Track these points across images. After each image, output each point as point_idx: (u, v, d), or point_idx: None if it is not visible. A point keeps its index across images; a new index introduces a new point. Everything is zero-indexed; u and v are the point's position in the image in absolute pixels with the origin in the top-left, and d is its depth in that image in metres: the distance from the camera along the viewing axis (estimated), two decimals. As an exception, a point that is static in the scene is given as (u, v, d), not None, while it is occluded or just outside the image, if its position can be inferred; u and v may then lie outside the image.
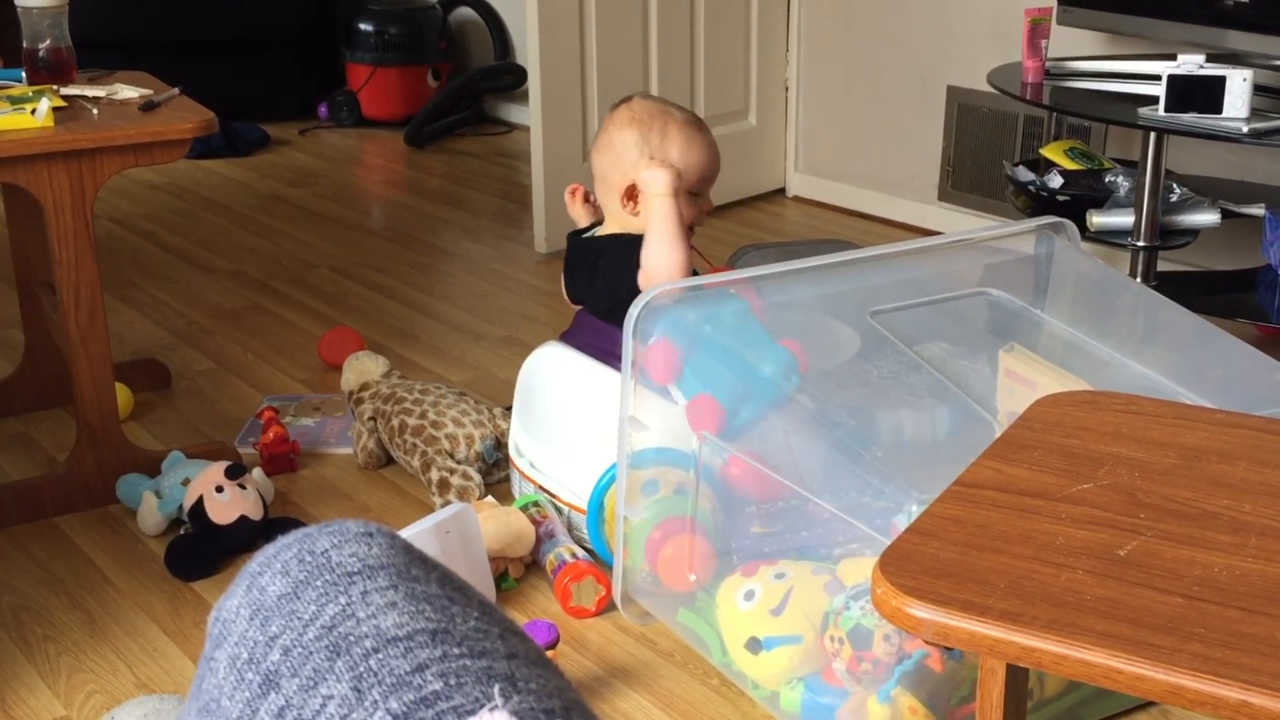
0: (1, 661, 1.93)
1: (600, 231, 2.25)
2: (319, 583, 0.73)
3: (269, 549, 0.78)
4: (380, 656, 0.67)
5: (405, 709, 0.64)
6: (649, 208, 2.10)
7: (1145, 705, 1.81)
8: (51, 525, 2.28)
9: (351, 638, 0.69)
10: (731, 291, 2.01)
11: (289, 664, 0.69)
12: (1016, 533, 1.15)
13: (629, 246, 2.16)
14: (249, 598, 0.74)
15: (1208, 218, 2.83)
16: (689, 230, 2.15)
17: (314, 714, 0.66)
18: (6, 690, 1.87)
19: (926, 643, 1.53)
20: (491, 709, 0.60)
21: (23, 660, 1.93)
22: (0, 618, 2.04)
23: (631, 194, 2.16)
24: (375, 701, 0.64)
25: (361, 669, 0.67)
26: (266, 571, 0.75)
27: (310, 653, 0.69)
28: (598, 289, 2.21)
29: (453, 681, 0.66)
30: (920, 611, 1.06)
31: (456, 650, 0.68)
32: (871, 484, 1.72)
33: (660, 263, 2.07)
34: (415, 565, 0.76)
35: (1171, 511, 1.18)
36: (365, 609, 0.71)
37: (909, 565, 1.11)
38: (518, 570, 2.11)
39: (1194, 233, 2.84)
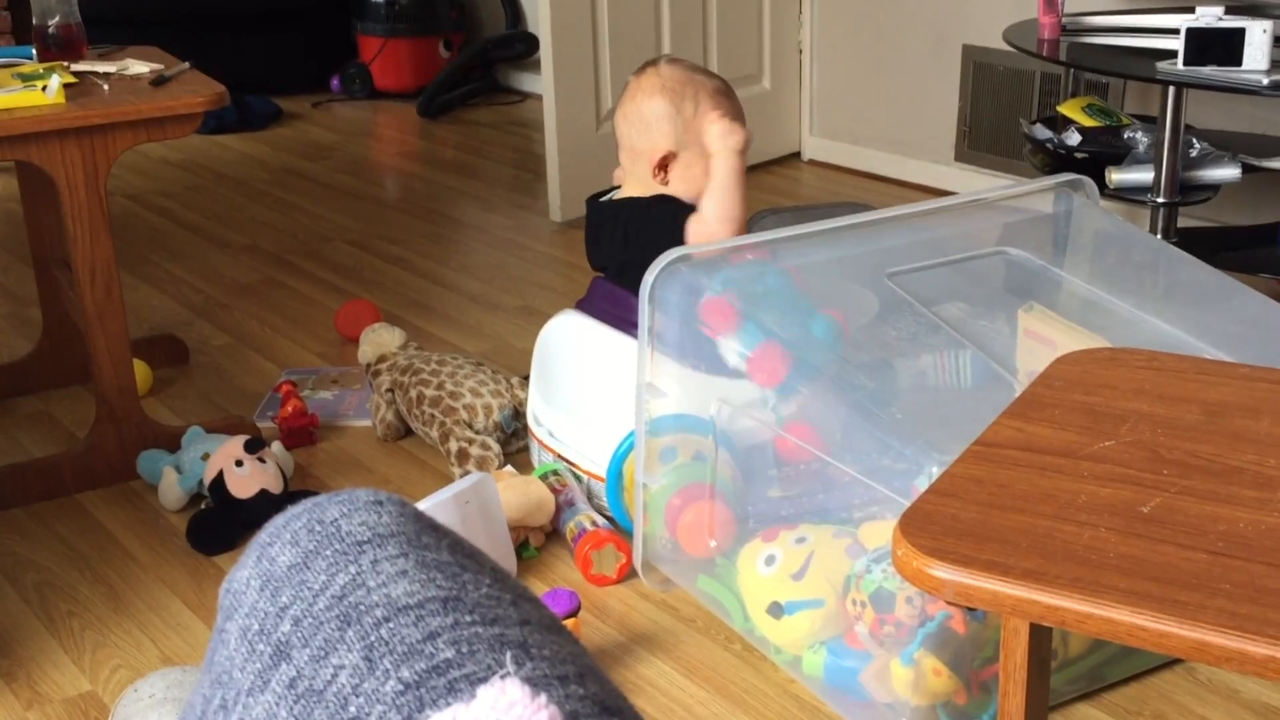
0: (27, 637, 1.94)
1: (619, 195, 2.24)
2: (329, 552, 0.72)
3: (278, 519, 0.77)
4: (391, 625, 0.67)
5: (417, 677, 0.63)
6: (717, 160, 2.12)
7: (1170, 664, 1.80)
8: (73, 502, 2.29)
9: (362, 607, 0.68)
10: (750, 256, 2.00)
11: (300, 634, 0.68)
12: (1038, 491, 1.14)
13: (668, 207, 2.15)
14: (259, 568, 0.74)
15: (1228, 172, 2.80)
16: None
17: (325, 684, 0.65)
18: (32, 666, 1.88)
19: (949, 604, 1.53)
20: (503, 676, 0.60)
21: (47, 636, 1.94)
22: (25, 594, 2.04)
23: (664, 164, 2.16)
24: (387, 670, 0.64)
25: (373, 638, 0.66)
26: (276, 542, 0.75)
27: (321, 623, 0.68)
28: (633, 250, 2.16)
29: (464, 649, 0.65)
30: (941, 572, 1.05)
31: (468, 618, 0.68)
32: (892, 445, 1.71)
33: (724, 214, 2.10)
34: (426, 533, 0.75)
35: (1195, 467, 1.17)
36: (376, 578, 0.70)
37: (930, 526, 1.10)
38: (538, 539, 2.11)
39: (1214, 188, 2.81)
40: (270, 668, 0.68)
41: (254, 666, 0.69)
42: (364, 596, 0.69)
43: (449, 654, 0.65)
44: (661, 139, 2.15)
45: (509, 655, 0.65)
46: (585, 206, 2.30)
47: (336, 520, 0.75)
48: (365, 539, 0.73)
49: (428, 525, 0.76)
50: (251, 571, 0.74)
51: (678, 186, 2.17)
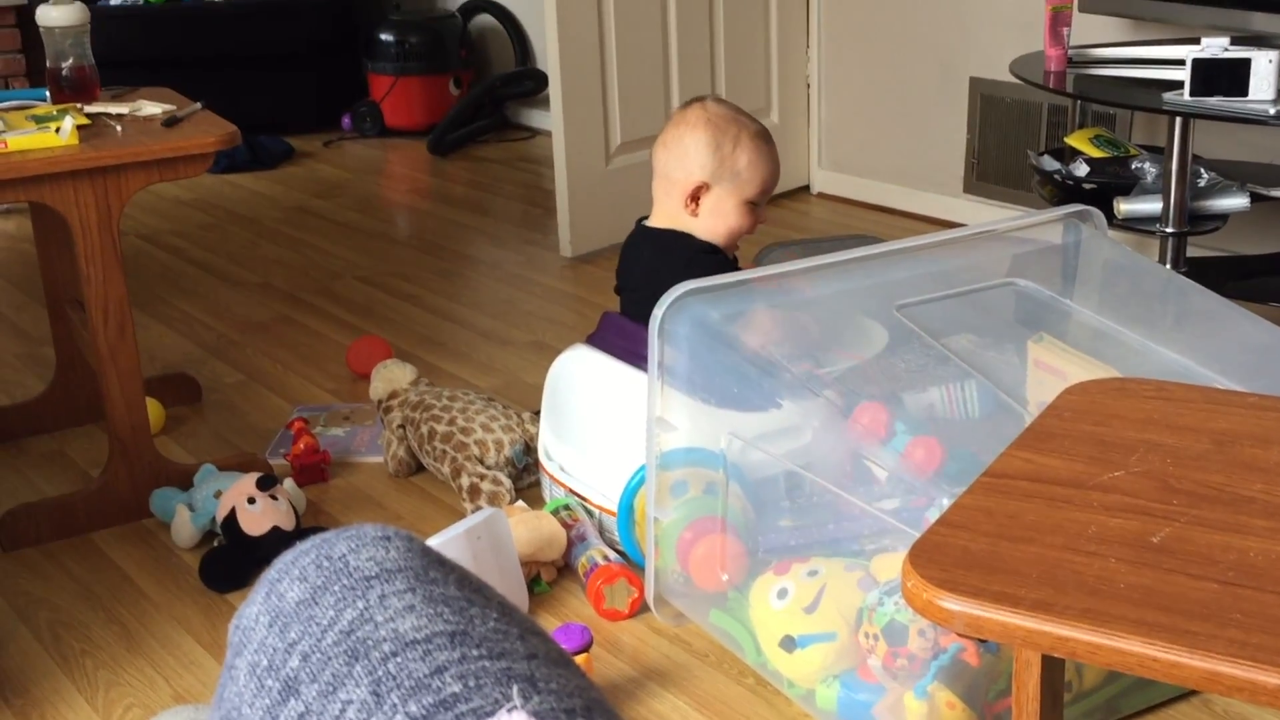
0: (40, 677, 1.94)
1: (651, 222, 2.27)
2: (337, 587, 0.73)
3: (287, 555, 0.77)
4: (399, 660, 0.67)
5: (425, 712, 0.64)
6: None
7: (1186, 695, 1.79)
8: (87, 540, 2.30)
9: (370, 642, 0.68)
10: (759, 289, 2.01)
11: (308, 670, 0.69)
12: (1048, 522, 1.14)
13: (683, 251, 2.19)
14: (268, 604, 0.74)
15: (1236, 202, 2.80)
16: (735, 240, 2.24)
17: (334, 719, 0.65)
18: (46, 706, 1.88)
19: (960, 636, 1.52)
20: (510, 710, 0.60)
21: (61, 675, 1.95)
22: (38, 633, 2.05)
23: (695, 195, 2.19)
24: (394, 705, 0.64)
25: (380, 673, 0.66)
26: (285, 578, 0.75)
27: (329, 658, 0.68)
28: (644, 278, 2.19)
29: (472, 683, 0.65)
30: (951, 604, 1.05)
31: (475, 652, 0.68)
32: (903, 477, 1.71)
33: None
34: (433, 567, 0.75)
35: (1204, 497, 1.17)
36: (383, 613, 0.70)
37: (939, 557, 1.10)
38: (550, 574, 2.11)
39: (1223, 217, 2.82)
40: (279, 703, 0.68)
41: (263, 702, 0.69)
42: (372, 631, 0.69)
43: (456, 688, 0.65)
44: (698, 169, 2.18)
45: (516, 689, 0.65)
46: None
47: (344, 556, 0.75)
48: (373, 574, 0.73)
49: (435, 560, 0.76)
50: (260, 607, 0.75)
51: (705, 220, 2.20)
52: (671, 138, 2.22)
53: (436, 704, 0.64)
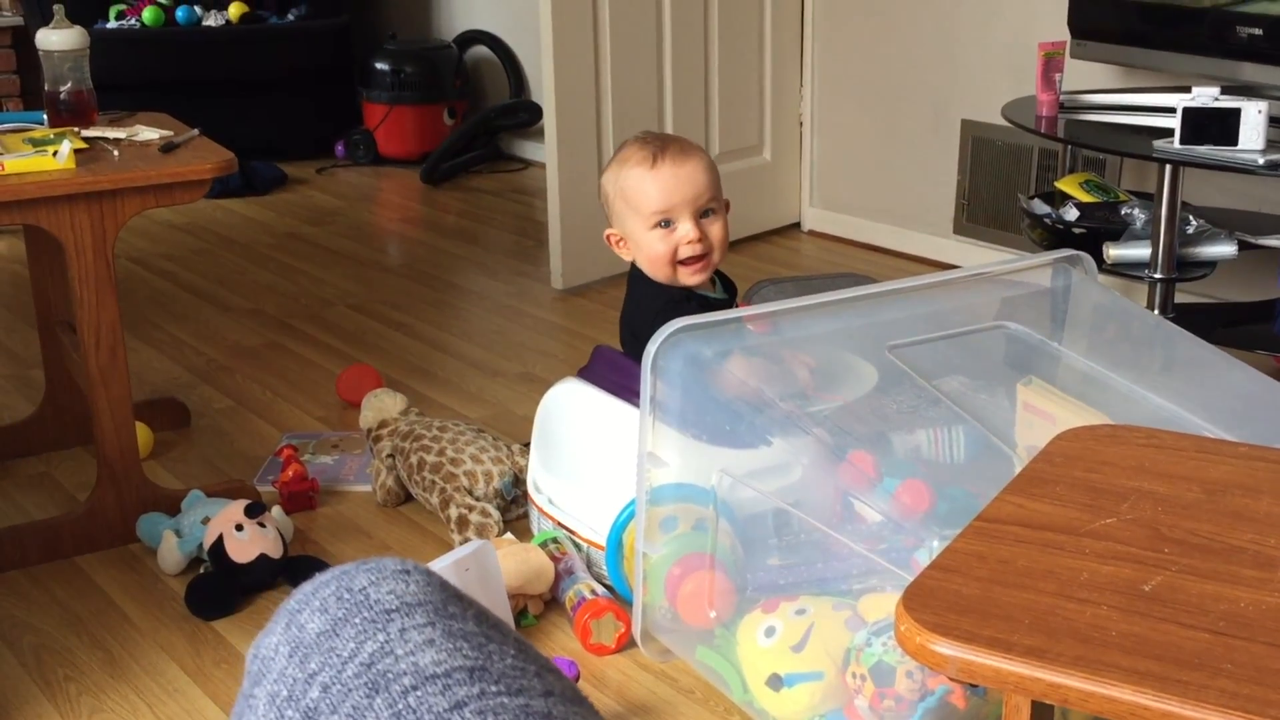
0: (23, 702, 1.93)
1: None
2: (357, 620, 0.73)
3: (306, 586, 0.78)
4: (419, 694, 0.67)
5: None
6: None
7: (1170, 741, 1.79)
8: (72, 565, 2.29)
9: (390, 675, 0.69)
10: (749, 327, 2.01)
11: (328, 701, 0.69)
12: (1040, 568, 1.15)
13: (643, 287, 2.21)
14: (288, 635, 0.75)
15: (1225, 249, 2.82)
16: (698, 261, 2.16)
17: None
18: (27, 731, 1.87)
19: (950, 679, 1.52)
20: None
21: (44, 700, 1.93)
22: (21, 658, 2.04)
23: (618, 242, 2.23)
24: None
25: (400, 706, 0.67)
26: (305, 609, 0.76)
27: (349, 690, 0.69)
28: (623, 317, 2.27)
29: (491, 719, 0.66)
30: (944, 648, 1.05)
31: (494, 688, 0.68)
32: (892, 519, 1.72)
33: None
34: (452, 602, 0.76)
35: (1196, 546, 1.18)
36: (404, 646, 0.71)
37: (932, 601, 1.10)
38: (537, 607, 2.10)
39: (1211, 265, 2.84)
40: None
41: None
42: (392, 664, 0.70)
43: None
44: (610, 217, 2.23)
45: None
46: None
47: (365, 588, 0.76)
48: (393, 607, 0.74)
49: (453, 595, 0.77)
50: (280, 638, 0.75)
51: (638, 258, 2.20)
52: None
53: None
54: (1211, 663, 1.02)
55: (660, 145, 2.18)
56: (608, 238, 2.25)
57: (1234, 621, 1.07)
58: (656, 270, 2.17)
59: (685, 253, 2.15)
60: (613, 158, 2.25)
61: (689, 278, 2.17)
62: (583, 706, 0.72)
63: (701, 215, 2.16)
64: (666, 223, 2.15)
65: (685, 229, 2.14)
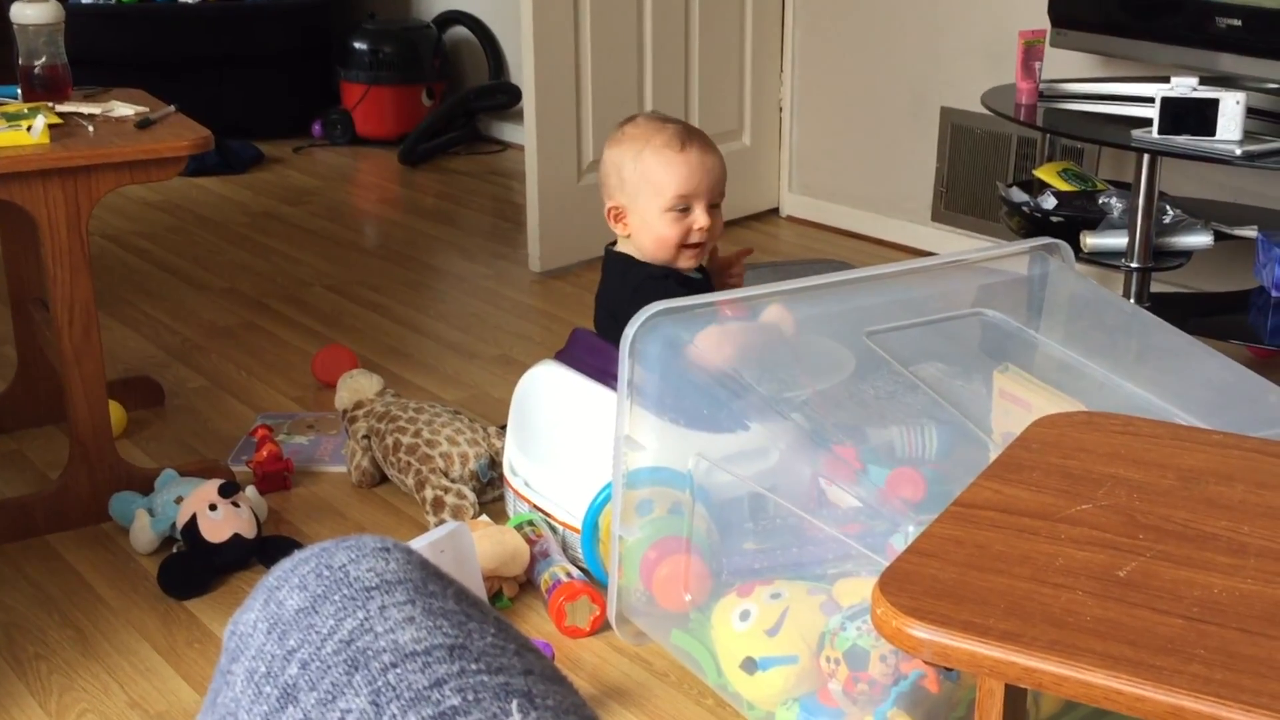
0: (-8, 680, 1.92)
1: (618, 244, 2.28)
2: (337, 597, 0.73)
3: (285, 563, 0.78)
4: (398, 671, 0.67)
5: None
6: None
7: (1141, 727, 1.81)
8: (44, 543, 2.27)
9: (370, 652, 0.69)
10: (726, 312, 2.01)
11: (307, 678, 0.69)
12: (1016, 553, 1.15)
13: (622, 265, 2.20)
14: (266, 611, 0.75)
15: (1201, 239, 2.84)
16: (698, 247, 2.19)
17: None
18: (-3, 709, 1.86)
19: (925, 663, 1.53)
20: (510, 723, 0.60)
21: (14, 678, 1.92)
22: (-9, 636, 2.03)
23: (616, 216, 2.21)
24: (394, 716, 0.65)
25: (380, 683, 0.67)
26: (284, 586, 0.76)
27: (328, 667, 0.69)
28: (598, 300, 2.27)
29: (470, 697, 0.66)
30: (921, 632, 1.06)
31: (474, 666, 0.69)
32: (868, 504, 1.72)
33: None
34: (432, 580, 0.76)
35: (1170, 533, 1.18)
36: (383, 623, 0.71)
37: (909, 585, 1.10)
38: (512, 589, 2.10)
39: (1187, 254, 2.85)
40: (277, 710, 0.69)
41: (260, 709, 0.70)
42: (371, 642, 0.70)
43: (455, 701, 0.66)
44: (612, 190, 2.20)
45: (515, 703, 0.66)
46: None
47: (344, 566, 0.75)
48: (373, 585, 0.74)
49: (433, 573, 0.77)
50: (259, 614, 0.75)
51: (637, 237, 2.20)
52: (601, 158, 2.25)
53: (435, 716, 0.64)
54: (1184, 648, 1.02)
55: (685, 130, 2.21)
56: (609, 211, 2.22)
57: (1207, 607, 1.07)
58: (659, 250, 2.18)
59: (694, 239, 2.18)
60: (623, 132, 2.22)
61: (687, 261, 2.20)
62: (562, 685, 0.72)
63: (711, 205, 2.20)
64: (685, 208, 2.17)
65: (700, 216, 2.18)
